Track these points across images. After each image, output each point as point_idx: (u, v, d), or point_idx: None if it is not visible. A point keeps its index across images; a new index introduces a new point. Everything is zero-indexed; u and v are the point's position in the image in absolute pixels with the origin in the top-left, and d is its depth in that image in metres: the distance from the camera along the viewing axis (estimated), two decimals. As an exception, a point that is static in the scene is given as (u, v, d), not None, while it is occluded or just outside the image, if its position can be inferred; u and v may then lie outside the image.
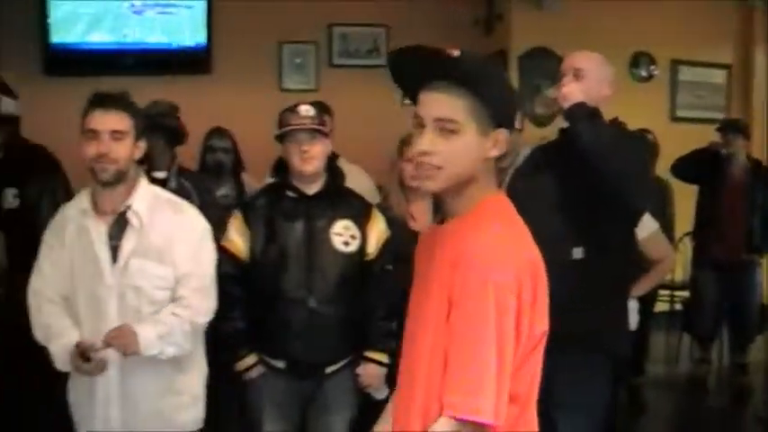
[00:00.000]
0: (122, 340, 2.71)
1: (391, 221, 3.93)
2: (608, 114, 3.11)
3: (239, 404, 3.60)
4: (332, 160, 3.48)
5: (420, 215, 4.02)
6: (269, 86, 6.18)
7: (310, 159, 3.30)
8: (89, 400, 2.88)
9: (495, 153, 1.78)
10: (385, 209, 4.03)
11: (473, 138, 1.75)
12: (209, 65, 6.08)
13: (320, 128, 3.32)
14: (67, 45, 5.91)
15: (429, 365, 1.75)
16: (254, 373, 3.37)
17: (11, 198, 4.34)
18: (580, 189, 3.10)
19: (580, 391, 3.08)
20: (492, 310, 1.64)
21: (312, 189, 3.38)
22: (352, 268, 3.36)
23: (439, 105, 1.75)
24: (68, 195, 4.46)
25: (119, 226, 2.85)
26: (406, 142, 3.97)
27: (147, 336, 2.75)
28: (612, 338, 3.18)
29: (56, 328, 2.84)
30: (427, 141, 1.75)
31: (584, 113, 3.07)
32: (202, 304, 2.92)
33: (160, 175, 4.27)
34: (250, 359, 3.37)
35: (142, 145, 2.88)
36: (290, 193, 3.38)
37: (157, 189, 3.00)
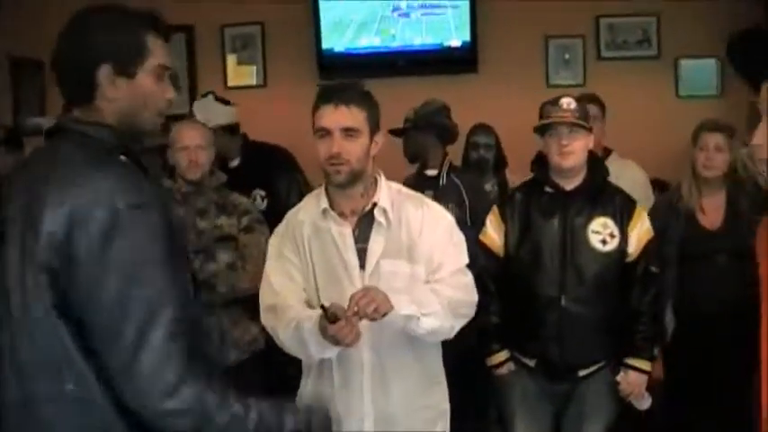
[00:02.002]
0: (370, 299, 2.39)
1: (677, 214, 3.77)
2: None
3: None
4: (594, 155, 3.36)
5: (712, 209, 3.82)
6: (536, 82, 6.05)
7: (569, 154, 3.22)
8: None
9: None
10: (671, 200, 3.90)
11: None
12: (475, 63, 6.06)
13: (580, 122, 3.21)
14: (339, 50, 6.11)
15: None
16: (504, 370, 3.32)
17: (259, 200, 4.51)
18: None
19: None
20: None
21: (571, 184, 3.30)
22: (610, 268, 3.25)
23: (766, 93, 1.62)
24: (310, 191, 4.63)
25: (363, 227, 2.65)
26: (701, 129, 3.82)
27: (399, 298, 2.47)
28: None
29: (300, 313, 2.56)
30: (758, 133, 1.65)
31: None
32: (461, 281, 2.68)
33: (432, 172, 4.34)
34: (502, 355, 3.33)
35: (380, 139, 2.67)
36: (548, 189, 3.31)
37: (396, 185, 2.79)
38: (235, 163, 4.61)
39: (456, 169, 4.38)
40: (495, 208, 3.44)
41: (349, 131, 2.56)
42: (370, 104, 2.62)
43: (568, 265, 3.22)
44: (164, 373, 1.68)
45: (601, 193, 3.33)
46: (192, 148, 3.72)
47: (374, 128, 2.63)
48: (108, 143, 1.84)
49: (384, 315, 2.42)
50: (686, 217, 3.90)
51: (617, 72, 6.04)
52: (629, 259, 3.29)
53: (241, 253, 3.71)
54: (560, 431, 3.40)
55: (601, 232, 3.25)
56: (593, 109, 4.79)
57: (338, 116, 2.56)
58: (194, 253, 3.66)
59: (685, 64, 6.09)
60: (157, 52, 1.89)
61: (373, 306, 2.38)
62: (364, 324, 2.49)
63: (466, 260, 2.74)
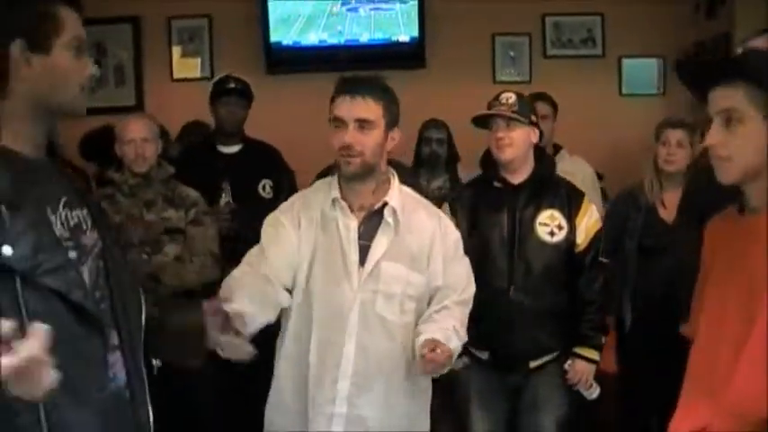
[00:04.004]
0: (441, 359, 2.49)
1: (638, 207, 3.85)
2: None
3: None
4: (542, 150, 3.41)
5: (673, 203, 3.91)
6: (482, 79, 6.10)
7: (505, 147, 3.27)
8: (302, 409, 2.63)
9: None
10: (632, 194, 3.97)
11: (756, 125, 1.76)
12: (422, 59, 6.09)
13: (515, 116, 3.25)
14: (286, 44, 6.10)
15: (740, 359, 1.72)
16: (459, 364, 3.34)
17: (268, 189, 4.51)
18: None
19: None
20: None
21: (517, 178, 3.34)
22: (558, 259, 3.30)
23: (718, 98, 1.80)
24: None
25: (370, 225, 2.63)
26: (664, 125, 3.90)
27: (454, 344, 2.58)
28: None
29: (237, 287, 2.43)
30: (712, 134, 1.80)
31: None
32: (466, 315, 2.74)
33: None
34: None
35: (396, 135, 2.65)
36: (497, 184, 3.35)
37: (407, 189, 2.78)
38: (233, 149, 4.61)
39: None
40: (446, 203, 3.48)
41: (363, 123, 2.55)
42: (388, 99, 2.61)
43: (516, 257, 3.26)
44: None
45: (547, 186, 3.38)
46: (138, 141, 3.72)
47: (390, 123, 2.62)
48: None
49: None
50: (647, 210, 3.99)
51: (562, 70, 6.11)
52: (578, 250, 3.33)
53: (188, 245, 3.71)
54: (515, 423, 3.43)
55: (549, 224, 3.30)
56: (544, 107, 4.86)
57: (354, 107, 2.55)
58: (141, 245, 3.65)
59: (628, 63, 6.19)
60: (72, 25, 1.74)
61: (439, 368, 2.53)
62: (353, 315, 2.56)
63: (471, 287, 2.79)
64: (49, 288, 1.62)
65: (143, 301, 1.94)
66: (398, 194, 2.67)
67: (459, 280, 2.74)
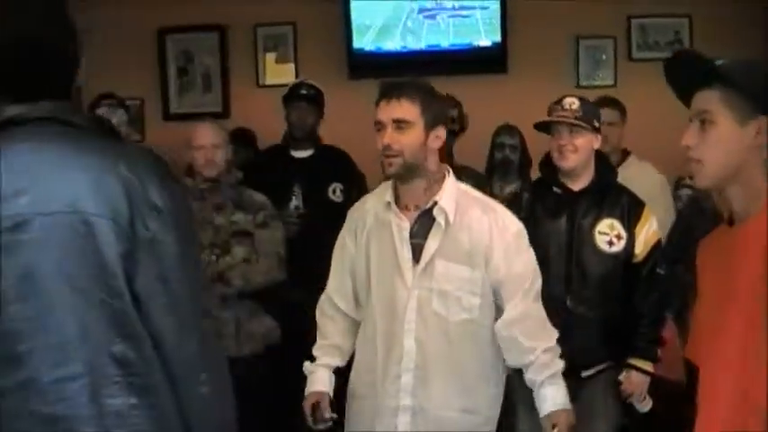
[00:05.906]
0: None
1: (704, 214, 3.76)
2: None
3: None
4: (603, 156, 3.37)
5: None
6: (565, 83, 6.01)
7: (567, 154, 3.25)
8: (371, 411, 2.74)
9: (760, 140, 1.75)
10: (697, 200, 3.89)
11: (727, 129, 1.78)
12: (504, 63, 6.05)
13: (579, 122, 3.22)
14: (368, 49, 6.14)
15: (741, 373, 1.68)
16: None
17: (339, 192, 4.57)
18: None
19: None
20: None
21: (578, 185, 3.33)
22: (616, 270, 3.28)
23: (697, 100, 1.86)
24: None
25: (423, 223, 2.68)
26: None
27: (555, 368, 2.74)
28: None
29: (319, 350, 2.90)
30: (687, 135, 1.81)
31: None
32: (542, 309, 2.81)
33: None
34: None
35: (441, 133, 2.70)
36: (556, 189, 3.32)
37: (465, 186, 2.82)
38: (305, 154, 4.71)
39: (464, 169, 4.34)
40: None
41: (399, 123, 2.63)
42: (425, 98, 2.67)
43: (574, 266, 3.26)
44: None
45: (608, 194, 3.35)
46: (208, 146, 3.83)
47: (431, 121, 2.67)
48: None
49: None
50: (713, 217, 3.89)
51: (648, 73, 5.96)
52: (636, 260, 3.30)
53: (256, 248, 3.79)
54: None
55: (608, 234, 3.28)
56: (612, 114, 4.77)
57: (390, 109, 2.65)
58: (210, 247, 3.74)
59: (718, 66, 6.05)
60: None
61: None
62: (410, 312, 2.63)
63: (534, 273, 2.78)
64: None
65: None
66: (452, 193, 2.71)
67: (526, 271, 2.74)
